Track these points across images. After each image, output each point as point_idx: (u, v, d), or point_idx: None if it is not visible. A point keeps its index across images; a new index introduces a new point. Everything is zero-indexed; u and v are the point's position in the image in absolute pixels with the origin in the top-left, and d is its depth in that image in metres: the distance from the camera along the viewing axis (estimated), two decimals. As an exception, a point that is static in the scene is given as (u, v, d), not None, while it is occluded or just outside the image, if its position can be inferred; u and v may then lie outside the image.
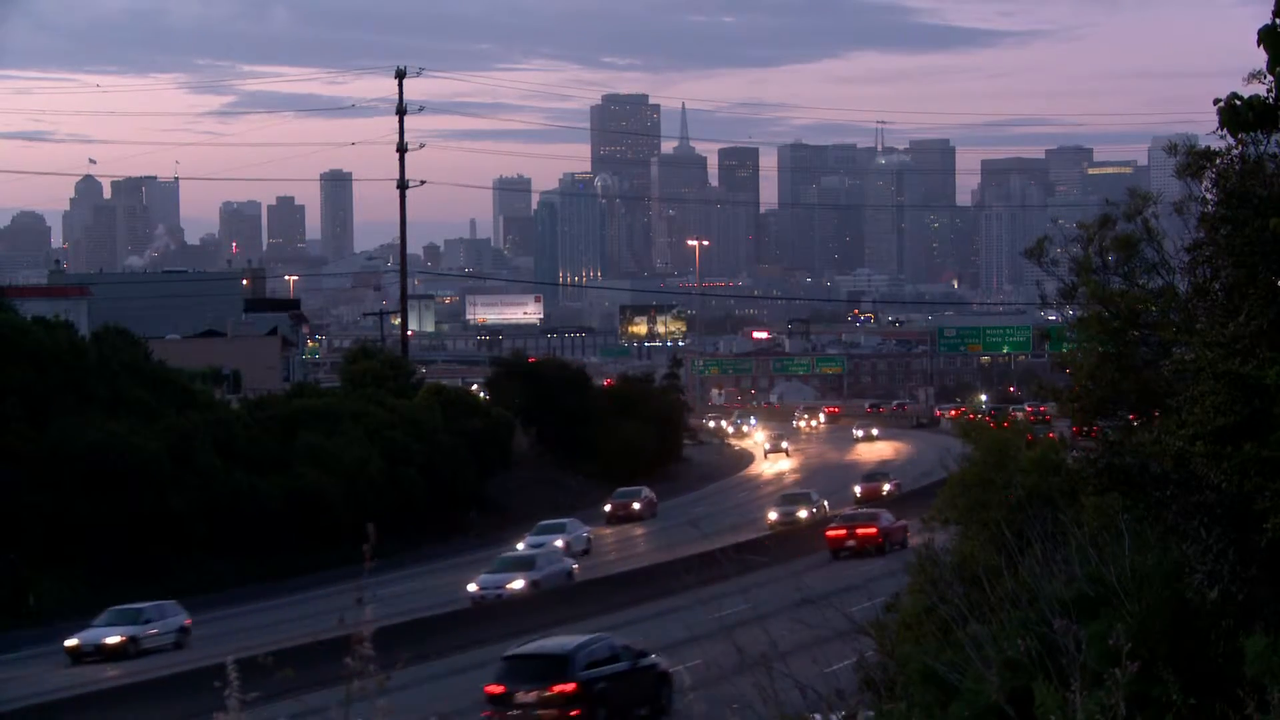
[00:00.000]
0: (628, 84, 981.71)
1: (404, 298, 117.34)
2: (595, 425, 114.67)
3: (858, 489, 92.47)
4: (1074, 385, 25.40)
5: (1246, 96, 12.80)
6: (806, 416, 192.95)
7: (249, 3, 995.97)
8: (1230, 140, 15.19)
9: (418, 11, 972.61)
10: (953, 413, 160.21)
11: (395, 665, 7.97)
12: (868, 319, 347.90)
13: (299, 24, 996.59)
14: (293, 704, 7.75)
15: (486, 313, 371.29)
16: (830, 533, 69.71)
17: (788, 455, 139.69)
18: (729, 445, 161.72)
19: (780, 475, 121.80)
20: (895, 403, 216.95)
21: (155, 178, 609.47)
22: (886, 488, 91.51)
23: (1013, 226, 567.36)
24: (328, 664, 18.89)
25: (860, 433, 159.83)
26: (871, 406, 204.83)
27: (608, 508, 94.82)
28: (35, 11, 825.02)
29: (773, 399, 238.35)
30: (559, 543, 73.41)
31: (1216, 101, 12.79)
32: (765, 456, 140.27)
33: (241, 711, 7.79)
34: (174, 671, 47.01)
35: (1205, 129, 14.76)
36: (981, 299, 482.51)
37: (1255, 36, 12.35)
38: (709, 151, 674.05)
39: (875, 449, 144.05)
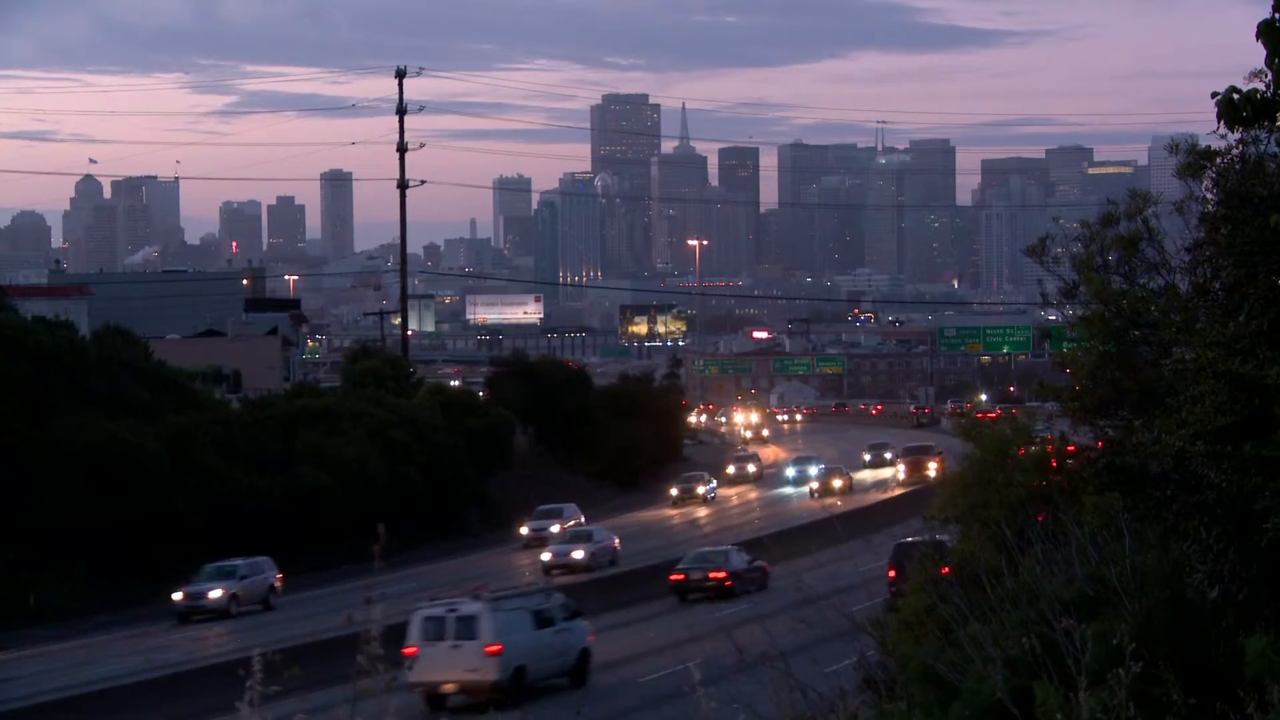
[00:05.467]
0: (630, 84, 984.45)
1: (404, 297, 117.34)
2: (595, 425, 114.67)
3: None
4: (1074, 384, 25.42)
5: (1245, 90, 12.82)
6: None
7: (301, 5, 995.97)
8: (1230, 138, 15.20)
9: (421, 12, 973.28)
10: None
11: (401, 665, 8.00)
12: (868, 319, 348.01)
13: (306, 24, 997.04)
14: (299, 702, 7.76)
15: (486, 313, 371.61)
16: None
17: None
18: (729, 444, 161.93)
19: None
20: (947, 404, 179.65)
21: (155, 177, 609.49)
22: None
23: (1013, 226, 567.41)
24: (331, 663, 18.92)
25: (869, 455, 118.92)
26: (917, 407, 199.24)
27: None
28: (102, 13, 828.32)
29: (773, 399, 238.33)
30: None
31: (1214, 95, 12.80)
32: None
33: (261, 706, 7.80)
34: (173, 671, 47.05)
35: (1205, 129, 14.78)
36: (982, 299, 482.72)
37: (1255, 34, 12.35)
38: (709, 151, 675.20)
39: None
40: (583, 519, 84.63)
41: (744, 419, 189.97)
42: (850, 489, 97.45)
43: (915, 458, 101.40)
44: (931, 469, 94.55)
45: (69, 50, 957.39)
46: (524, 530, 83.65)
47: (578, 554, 68.88)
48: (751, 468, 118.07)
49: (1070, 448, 26.89)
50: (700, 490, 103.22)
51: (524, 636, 40.85)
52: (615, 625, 52.13)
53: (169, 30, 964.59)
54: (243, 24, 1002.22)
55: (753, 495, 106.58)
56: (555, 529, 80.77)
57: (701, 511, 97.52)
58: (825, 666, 19.56)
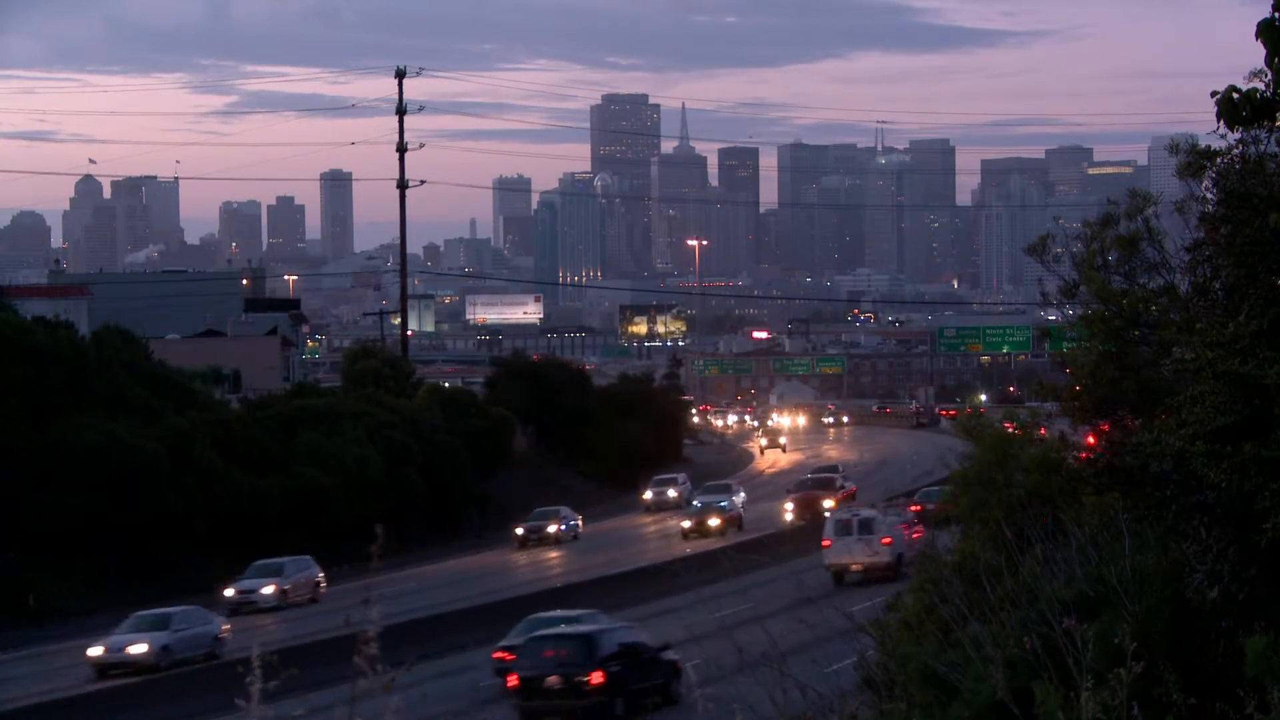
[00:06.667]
0: (630, 84, 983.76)
1: (404, 298, 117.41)
2: (595, 425, 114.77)
3: None
4: (1074, 384, 25.42)
5: (1245, 89, 12.83)
6: None
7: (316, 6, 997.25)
8: (1230, 138, 15.20)
9: (422, 12, 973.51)
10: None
11: (402, 665, 7.98)
12: (868, 319, 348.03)
13: (316, 23, 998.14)
14: (296, 703, 7.76)
15: (486, 313, 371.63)
16: None
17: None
18: (729, 444, 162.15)
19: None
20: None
21: (155, 178, 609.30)
22: None
23: (1013, 226, 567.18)
24: (331, 664, 18.92)
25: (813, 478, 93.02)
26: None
27: None
28: (102, 13, 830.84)
29: (772, 399, 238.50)
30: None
31: (1214, 95, 12.81)
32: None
33: (262, 705, 7.80)
34: (173, 673, 47.03)
35: (1205, 129, 14.78)
36: (981, 299, 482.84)
37: (1255, 34, 12.36)
38: (709, 151, 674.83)
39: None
40: (320, 575, 67.38)
41: (790, 421, 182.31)
42: (739, 527, 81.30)
43: (807, 494, 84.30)
44: (827, 509, 77.38)
45: (70, 50, 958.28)
46: (228, 592, 64.26)
47: (138, 648, 49.82)
48: (672, 493, 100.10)
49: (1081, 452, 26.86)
50: (552, 529, 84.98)
51: (899, 535, 59.55)
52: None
53: (169, 30, 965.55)
54: (249, 23, 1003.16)
55: (673, 523, 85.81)
56: (270, 590, 64.41)
57: (553, 554, 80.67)
58: (825, 666, 19.57)
